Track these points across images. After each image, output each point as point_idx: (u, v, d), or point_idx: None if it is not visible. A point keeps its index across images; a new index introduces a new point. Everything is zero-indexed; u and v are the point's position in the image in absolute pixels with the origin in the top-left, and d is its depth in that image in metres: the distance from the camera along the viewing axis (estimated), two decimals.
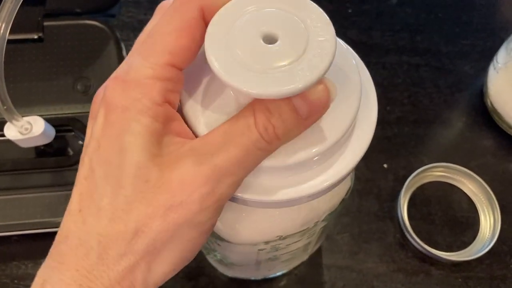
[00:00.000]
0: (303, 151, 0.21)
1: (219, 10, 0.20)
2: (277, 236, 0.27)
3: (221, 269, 0.42)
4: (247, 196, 0.22)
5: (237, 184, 0.20)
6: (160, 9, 0.23)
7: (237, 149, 0.19)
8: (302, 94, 0.19)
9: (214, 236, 0.28)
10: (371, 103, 0.23)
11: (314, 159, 0.21)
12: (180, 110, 0.22)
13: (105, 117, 0.20)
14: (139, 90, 0.19)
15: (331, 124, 0.21)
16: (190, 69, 0.22)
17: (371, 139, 0.23)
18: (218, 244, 0.30)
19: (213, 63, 0.19)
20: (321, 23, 0.19)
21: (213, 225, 0.21)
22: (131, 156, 0.19)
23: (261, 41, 0.19)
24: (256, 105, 0.19)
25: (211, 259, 0.41)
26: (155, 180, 0.19)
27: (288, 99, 0.19)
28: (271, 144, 0.20)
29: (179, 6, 0.20)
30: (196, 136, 0.21)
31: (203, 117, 0.22)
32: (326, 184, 0.22)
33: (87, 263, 0.19)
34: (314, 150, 0.21)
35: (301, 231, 0.28)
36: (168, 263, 0.20)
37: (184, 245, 0.20)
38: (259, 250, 0.30)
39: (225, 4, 0.20)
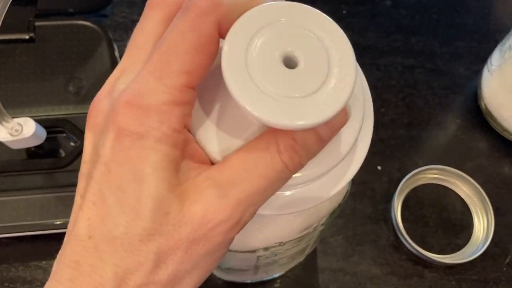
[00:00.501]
0: (309, 170, 0.21)
1: (234, 25, 0.19)
2: (277, 243, 0.27)
3: (218, 273, 0.42)
4: None
5: (257, 210, 0.20)
6: (149, 7, 0.21)
7: (260, 180, 0.19)
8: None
9: None
10: (368, 124, 0.23)
11: (320, 176, 0.21)
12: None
13: (116, 141, 0.19)
14: (156, 118, 0.18)
15: (338, 142, 0.21)
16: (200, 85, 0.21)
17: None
18: None
19: (235, 92, 0.18)
20: (340, 43, 0.19)
21: (228, 248, 0.21)
22: (150, 187, 0.18)
23: (282, 65, 0.18)
24: (279, 134, 0.19)
25: None
26: (176, 213, 0.19)
27: (313, 128, 0.19)
28: (294, 171, 0.19)
29: (195, 19, 0.18)
30: (210, 159, 0.21)
31: (216, 139, 0.20)
32: (325, 197, 0.22)
33: None
34: (320, 169, 0.21)
35: (300, 236, 0.28)
36: None
37: (202, 270, 0.20)
38: (258, 256, 0.29)
39: (241, 16, 0.19)
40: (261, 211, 0.21)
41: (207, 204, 0.19)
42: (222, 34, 0.19)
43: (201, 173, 0.19)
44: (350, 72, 0.18)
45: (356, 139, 0.22)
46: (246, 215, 0.19)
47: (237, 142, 0.20)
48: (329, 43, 0.19)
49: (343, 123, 0.20)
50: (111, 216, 0.18)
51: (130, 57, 0.21)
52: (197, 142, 0.21)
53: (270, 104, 0.18)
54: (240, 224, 0.19)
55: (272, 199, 0.21)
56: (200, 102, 0.21)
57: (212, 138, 0.20)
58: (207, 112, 0.21)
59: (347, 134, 0.21)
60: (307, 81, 0.18)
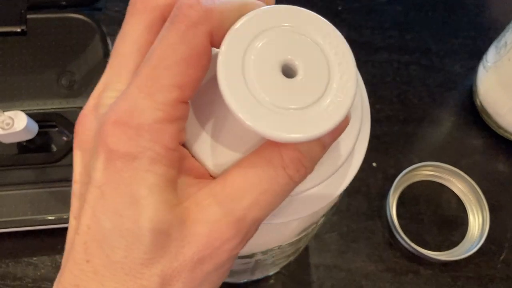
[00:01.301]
0: (312, 180, 0.20)
1: (229, 33, 0.18)
2: (276, 246, 0.27)
3: None
4: None
5: (261, 223, 0.20)
6: (131, 13, 0.20)
7: (266, 195, 0.18)
8: None
9: None
10: (366, 128, 0.23)
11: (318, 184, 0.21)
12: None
13: (107, 164, 0.18)
14: (149, 137, 0.17)
15: (338, 149, 0.21)
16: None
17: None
18: None
19: (234, 105, 0.17)
20: (339, 47, 0.18)
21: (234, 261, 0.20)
22: (148, 210, 0.18)
23: (281, 74, 0.18)
24: (282, 146, 0.18)
25: None
26: (178, 234, 0.18)
27: (318, 139, 0.18)
28: (299, 183, 0.19)
29: (185, 31, 0.17)
30: (208, 172, 0.20)
31: (213, 151, 0.20)
32: (326, 202, 0.22)
33: None
34: (322, 176, 0.21)
35: (299, 238, 0.28)
36: None
37: (211, 285, 0.19)
38: (257, 260, 0.29)
39: (233, 24, 0.18)
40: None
41: (211, 223, 0.18)
42: (214, 43, 0.18)
43: (201, 189, 0.19)
44: (351, 77, 0.18)
45: (355, 142, 0.21)
46: (251, 230, 0.19)
47: (236, 155, 0.19)
48: (328, 48, 0.18)
49: (344, 128, 0.19)
50: (109, 240, 0.18)
51: (114, 68, 0.20)
52: (194, 157, 0.20)
53: (273, 117, 0.17)
54: (245, 239, 0.19)
55: None
56: (195, 114, 0.20)
57: (210, 152, 0.20)
58: (203, 124, 0.20)
59: (346, 139, 0.21)
60: (308, 90, 0.17)
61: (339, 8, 0.55)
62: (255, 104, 0.17)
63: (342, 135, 0.20)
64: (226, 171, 0.19)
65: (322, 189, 0.22)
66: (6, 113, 0.37)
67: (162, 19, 0.19)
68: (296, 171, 0.18)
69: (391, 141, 0.49)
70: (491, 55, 0.47)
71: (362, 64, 0.51)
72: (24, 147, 0.42)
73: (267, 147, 0.19)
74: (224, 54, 0.17)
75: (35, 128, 0.39)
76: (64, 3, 0.47)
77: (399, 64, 0.53)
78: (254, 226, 0.19)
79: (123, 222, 0.18)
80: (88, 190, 0.18)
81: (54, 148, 0.43)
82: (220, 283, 0.20)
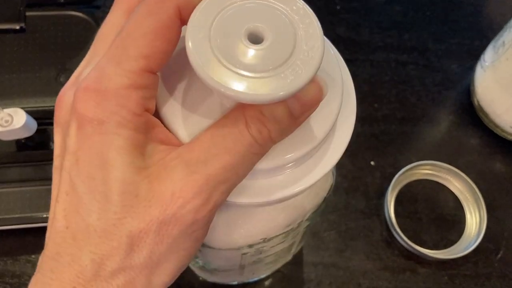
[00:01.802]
0: (289, 153, 0.21)
1: (199, 5, 0.19)
2: (261, 239, 0.27)
3: (204, 275, 0.41)
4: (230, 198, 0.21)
5: (231, 190, 0.20)
6: (116, 1, 0.21)
7: (230, 155, 0.19)
8: (296, 95, 0.18)
9: None
10: (351, 104, 0.23)
11: (297, 159, 0.21)
12: (157, 113, 0.21)
13: (78, 130, 0.19)
14: (115, 102, 0.18)
15: (314, 125, 0.21)
16: (165, 69, 0.21)
17: (351, 139, 0.23)
18: (200, 250, 0.29)
19: (200, 68, 0.18)
20: (305, 16, 0.19)
21: (207, 231, 0.20)
22: (116, 172, 0.18)
23: (247, 41, 0.18)
24: (247, 108, 0.19)
25: (192, 266, 0.40)
26: (145, 194, 0.18)
27: (282, 102, 0.18)
28: (264, 146, 0.19)
29: (153, 5, 0.19)
30: (180, 141, 0.20)
31: (185, 121, 0.20)
32: (304, 186, 0.22)
33: (83, 279, 0.18)
34: (298, 152, 0.21)
35: (285, 232, 0.27)
36: (166, 274, 0.20)
37: (180, 254, 0.20)
38: (243, 254, 0.29)
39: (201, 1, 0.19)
40: (238, 199, 0.21)
41: (174, 182, 0.18)
42: (184, 20, 0.19)
43: (170, 153, 0.19)
44: (317, 43, 0.18)
45: (335, 121, 0.21)
46: (216, 193, 0.19)
47: (206, 123, 0.20)
48: (296, 19, 0.19)
49: (316, 100, 0.19)
50: (84, 204, 0.19)
51: (94, 49, 0.21)
52: (165, 126, 0.21)
53: (235, 79, 0.17)
54: (210, 202, 0.19)
55: (248, 186, 0.21)
56: (166, 87, 0.21)
57: (181, 121, 0.20)
58: (175, 95, 0.21)
59: (324, 115, 0.21)
60: (273, 56, 0.18)
61: (338, 7, 0.55)
62: (220, 68, 0.18)
63: (319, 112, 0.20)
64: (195, 136, 0.20)
65: (299, 172, 0.22)
66: (5, 110, 0.37)
67: None
68: (258, 131, 0.19)
69: (389, 140, 0.49)
70: (488, 54, 0.48)
71: (360, 64, 0.51)
72: (23, 145, 0.42)
73: (234, 110, 0.19)
74: (192, 24, 0.18)
75: (34, 125, 0.39)
76: (62, 0, 0.47)
77: (397, 64, 0.53)
78: (219, 189, 0.19)
79: (96, 184, 0.18)
80: (64, 158, 0.19)
81: (53, 145, 0.42)
82: (191, 255, 0.20)
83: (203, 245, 0.27)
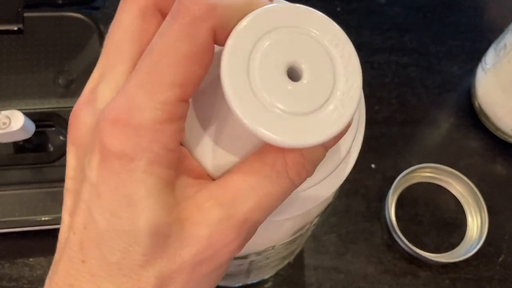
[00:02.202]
0: (308, 181, 0.20)
1: (234, 32, 0.17)
2: (270, 247, 0.27)
3: None
4: None
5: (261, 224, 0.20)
6: (125, 3, 0.20)
7: (267, 197, 0.18)
8: None
9: None
10: (361, 128, 0.23)
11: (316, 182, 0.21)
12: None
13: (102, 163, 0.17)
14: (148, 138, 0.17)
15: (334, 149, 0.21)
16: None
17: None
18: None
19: (237, 108, 0.16)
20: (345, 50, 0.18)
21: None
22: (147, 213, 0.17)
23: (286, 77, 0.17)
24: (286, 151, 0.18)
25: None
26: (177, 235, 0.18)
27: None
28: (299, 186, 0.19)
29: (187, 26, 0.17)
30: (207, 173, 0.20)
31: (215, 154, 0.19)
32: (319, 200, 0.22)
33: None
34: (320, 176, 0.21)
35: (293, 238, 0.27)
36: None
37: (208, 285, 0.19)
38: (251, 261, 0.29)
39: (238, 21, 0.17)
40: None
41: (213, 226, 0.18)
42: (217, 41, 0.17)
43: (201, 191, 0.18)
44: (356, 81, 0.18)
45: (352, 144, 0.22)
46: (251, 232, 0.19)
47: (236, 157, 0.19)
48: (334, 51, 0.18)
49: (346, 131, 0.19)
50: (106, 241, 0.18)
51: (108, 57, 0.20)
52: (193, 156, 0.19)
53: (277, 122, 0.16)
54: (245, 242, 0.19)
55: None
56: (195, 113, 0.19)
57: (210, 153, 0.19)
58: (204, 124, 0.19)
59: (344, 140, 0.21)
60: (313, 94, 0.17)
61: (338, 9, 0.55)
62: (259, 108, 0.16)
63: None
64: (226, 174, 0.19)
65: (315, 189, 0.22)
66: (3, 112, 0.36)
67: (155, 6, 0.19)
68: (298, 175, 0.18)
69: (390, 143, 0.49)
70: (490, 57, 0.47)
71: (361, 65, 0.51)
72: (20, 147, 0.41)
73: (269, 150, 0.18)
74: (229, 53, 0.17)
75: (32, 127, 0.39)
76: (61, 1, 0.47)
77: (397, 66, 0.53)
78: (254, 228, 0.19)
79: (121, 223, 0.17)
80: (83, 187, 0.18)
81: (51, 148, 0.42)
82: (216, 283, 0.20)
83: None
